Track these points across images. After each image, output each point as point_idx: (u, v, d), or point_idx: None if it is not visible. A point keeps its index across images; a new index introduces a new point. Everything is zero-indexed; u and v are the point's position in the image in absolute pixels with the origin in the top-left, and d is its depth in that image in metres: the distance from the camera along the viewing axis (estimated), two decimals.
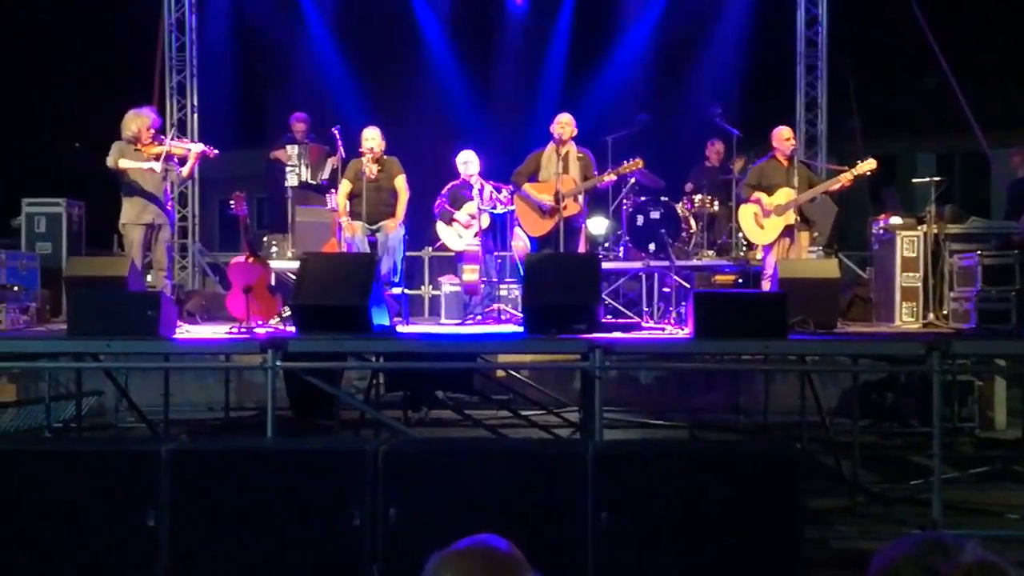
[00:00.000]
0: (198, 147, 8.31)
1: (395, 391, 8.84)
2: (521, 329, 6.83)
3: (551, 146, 8.75)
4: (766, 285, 8.33)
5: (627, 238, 10.00)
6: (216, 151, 8.41)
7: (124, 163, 8.05)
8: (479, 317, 8.57)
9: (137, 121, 8.18)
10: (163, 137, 8.31)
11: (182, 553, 4.77)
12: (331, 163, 10.35)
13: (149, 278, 8.43)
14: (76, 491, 4.85)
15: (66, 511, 4.82)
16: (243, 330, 7.05)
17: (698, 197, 10.36)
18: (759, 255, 9.03)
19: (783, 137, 8.70)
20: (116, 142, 8.19)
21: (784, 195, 8.46)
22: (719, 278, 10.12)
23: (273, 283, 8.75)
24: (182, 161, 8.39)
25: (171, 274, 8.60)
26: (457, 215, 9.43)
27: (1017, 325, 7.08)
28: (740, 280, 9.85)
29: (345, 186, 8.72)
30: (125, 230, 8.25)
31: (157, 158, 8.07)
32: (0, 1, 12.89)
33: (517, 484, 4.80)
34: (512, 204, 9.03)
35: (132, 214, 8.17)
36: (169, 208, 8.47)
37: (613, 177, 8.95)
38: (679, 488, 4.80)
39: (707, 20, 13.05)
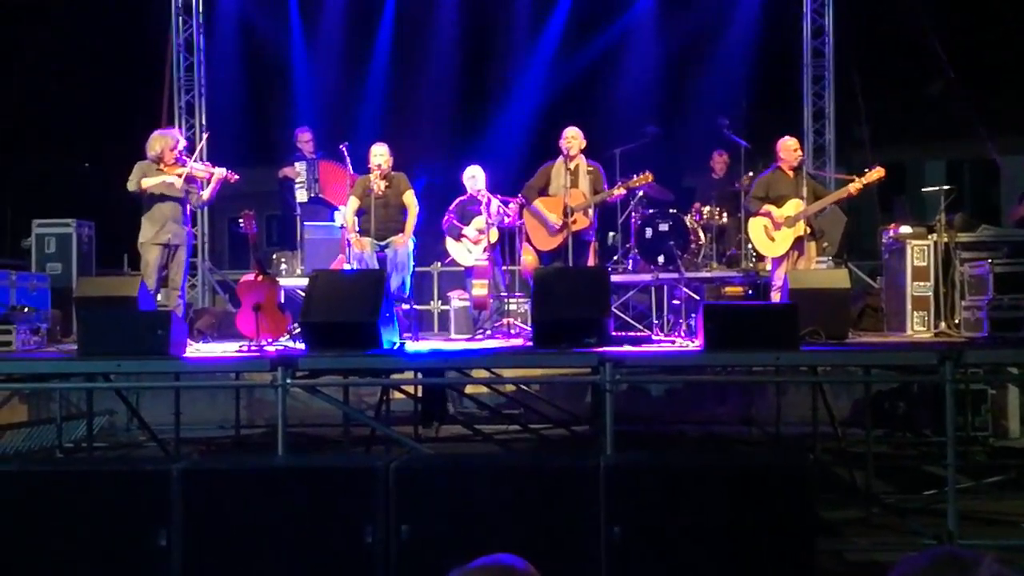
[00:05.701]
0: (220, 171, 8.28)
1: None
2: (531, 343, 6.82)
3: (560, 160, 8.76)
4: (776, 296, 8.30)
5: (636, 251, 9.98)
6: (237, 176, 8.41)
7: (147, 183, 8.06)
8: (489, 332, 8.55)
9: (162, 141, 8.23)
10: (186, 159, 8.32)
11: (194, 572, 4.77)
12: None
13: (160, 297, 8.44)
14: (88, 511, 4.85)
15: (78, 531, 4.81)
16: (253, 348, 7.06)
17: (706, 209, 10.35)
18: (768, 266, 9.00)
19: (789, 147, 8.63)
20: (138, 163, 8.19)
21: (793, 206, 8.42)
22: (728, 290, 10.09)
23: (283, 300, 8.75)
24: (201, 183, 8.40)
25: (184, 294, 8.59)
26: (466, 230, 9.43)
27: None
28: (750, 291, 9.82)
29: (353, 203, 8.73)
30: (142, 249, 8.23)
31: (179, 177, 8.12)
32: (9, 23, 12.98)
33: (529, 499, 4.79)
34: (519, 219, 9.03)
35: (150, 233, 8.16)
36: (188, 230, 8.47)
37: (623, 191, 8.98)
38: (692, 501, 4.77)
39: (713, 32, 13.06)
